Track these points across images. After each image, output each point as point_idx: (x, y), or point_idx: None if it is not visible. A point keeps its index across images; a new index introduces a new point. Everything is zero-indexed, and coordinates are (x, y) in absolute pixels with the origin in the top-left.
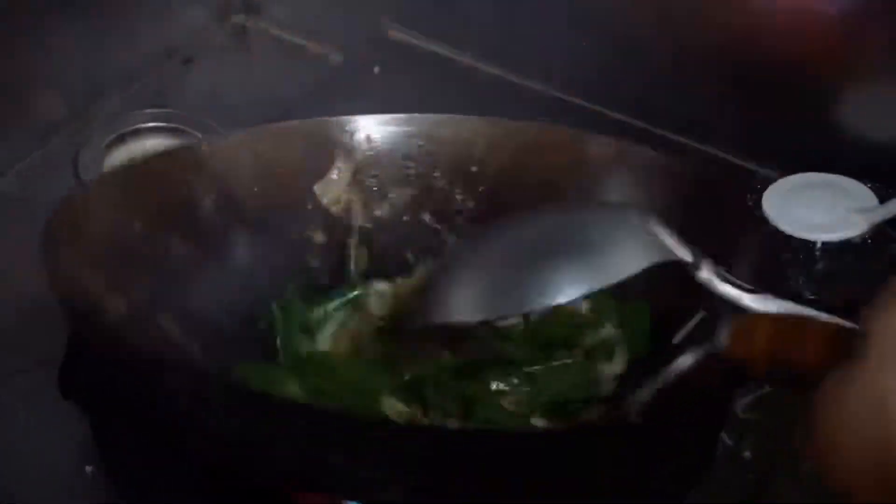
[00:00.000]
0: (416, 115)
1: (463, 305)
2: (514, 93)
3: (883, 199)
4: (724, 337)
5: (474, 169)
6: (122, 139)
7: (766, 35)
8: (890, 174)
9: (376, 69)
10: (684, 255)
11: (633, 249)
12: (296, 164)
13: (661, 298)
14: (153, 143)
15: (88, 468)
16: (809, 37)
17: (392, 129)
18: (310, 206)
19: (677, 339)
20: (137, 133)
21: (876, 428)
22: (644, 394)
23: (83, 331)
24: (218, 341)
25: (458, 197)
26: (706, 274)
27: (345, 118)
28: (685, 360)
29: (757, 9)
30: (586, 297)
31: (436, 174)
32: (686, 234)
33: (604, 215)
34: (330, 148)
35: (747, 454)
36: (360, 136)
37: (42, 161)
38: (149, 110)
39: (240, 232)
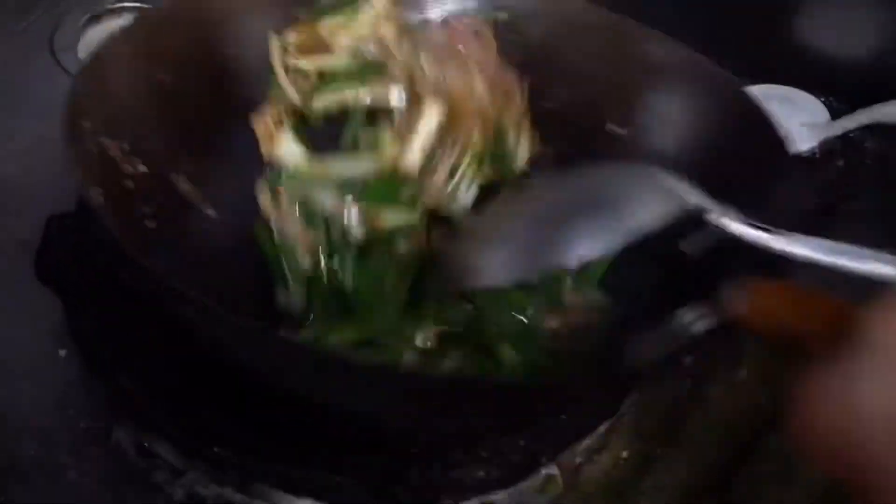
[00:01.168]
0: None
1: (493, 270)
2: None
3: (835, 115)
4: (730, 300)
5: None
6: (97, 18)
7: None
8: (846, 91)
9: None
10: (701, 201)
11: (651, 205)
12: None
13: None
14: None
15: (62, 352)
16: None
17: None
18: None
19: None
20: (111, 13)
21: (847, 425)
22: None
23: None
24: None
25: None
26: (721, 217)
27: None
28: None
29: None
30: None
31: None
32: None
33: (619, 175)
34: None
35: (688, 360)
36: None
37: (19, 37)
38: None
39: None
